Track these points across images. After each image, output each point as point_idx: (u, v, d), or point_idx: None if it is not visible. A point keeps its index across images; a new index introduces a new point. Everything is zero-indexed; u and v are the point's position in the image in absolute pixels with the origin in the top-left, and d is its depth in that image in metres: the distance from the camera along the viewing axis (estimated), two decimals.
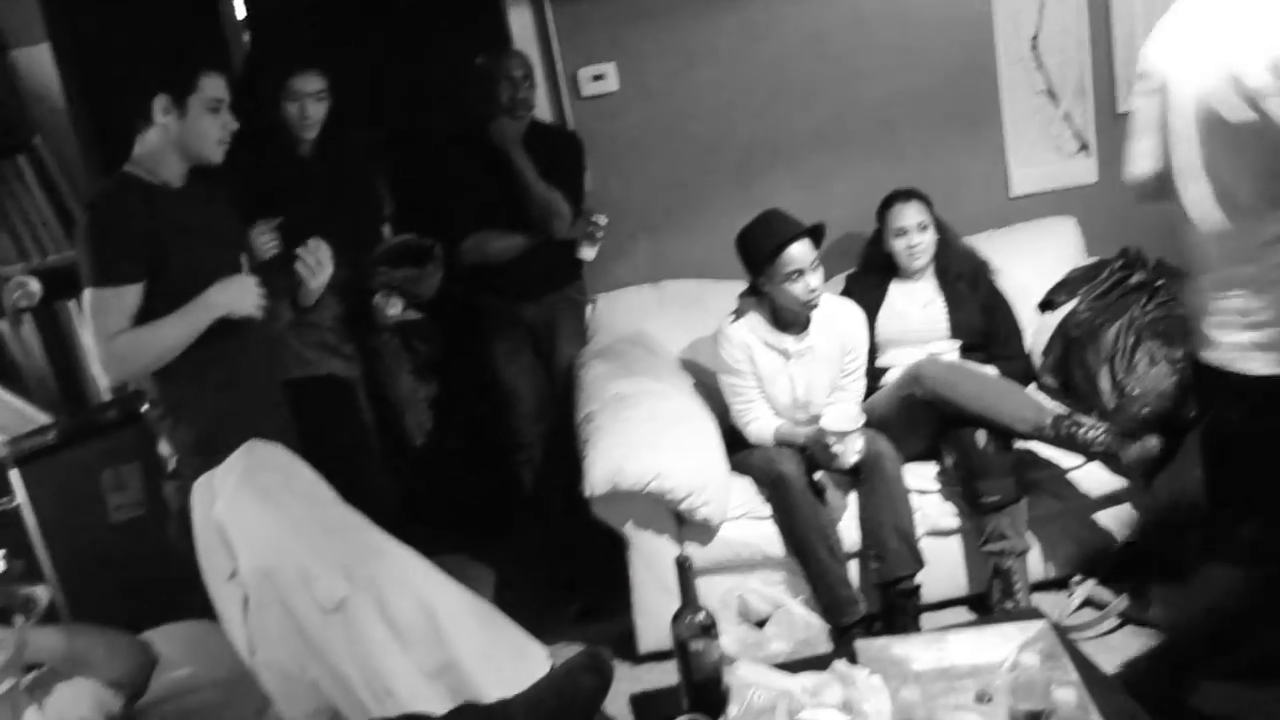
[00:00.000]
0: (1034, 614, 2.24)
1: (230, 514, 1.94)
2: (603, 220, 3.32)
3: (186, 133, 2.33)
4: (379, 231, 3.14)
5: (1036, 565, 2.92)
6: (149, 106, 2.31)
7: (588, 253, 3.37)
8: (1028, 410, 2.81)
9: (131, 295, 2.28)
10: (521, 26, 3.48)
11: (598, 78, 3.54)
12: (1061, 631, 2.09)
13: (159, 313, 2.31)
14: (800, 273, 2.88)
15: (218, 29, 3.92)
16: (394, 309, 2.96)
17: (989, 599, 2.85)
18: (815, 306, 2.95)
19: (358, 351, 3.05)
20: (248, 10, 3.99)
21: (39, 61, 2.99)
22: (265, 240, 2.77)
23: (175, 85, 2.30)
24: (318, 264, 2.57)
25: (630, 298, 3.58)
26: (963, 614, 2.96)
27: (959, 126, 3.66)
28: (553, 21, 3.48)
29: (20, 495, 2.82)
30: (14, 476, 2.81)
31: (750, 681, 1.89)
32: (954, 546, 2.94)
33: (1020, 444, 2.88)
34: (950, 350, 3.19)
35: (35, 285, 2.95)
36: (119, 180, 2.38)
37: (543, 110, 3.46)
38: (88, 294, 2.28)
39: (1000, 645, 2.00)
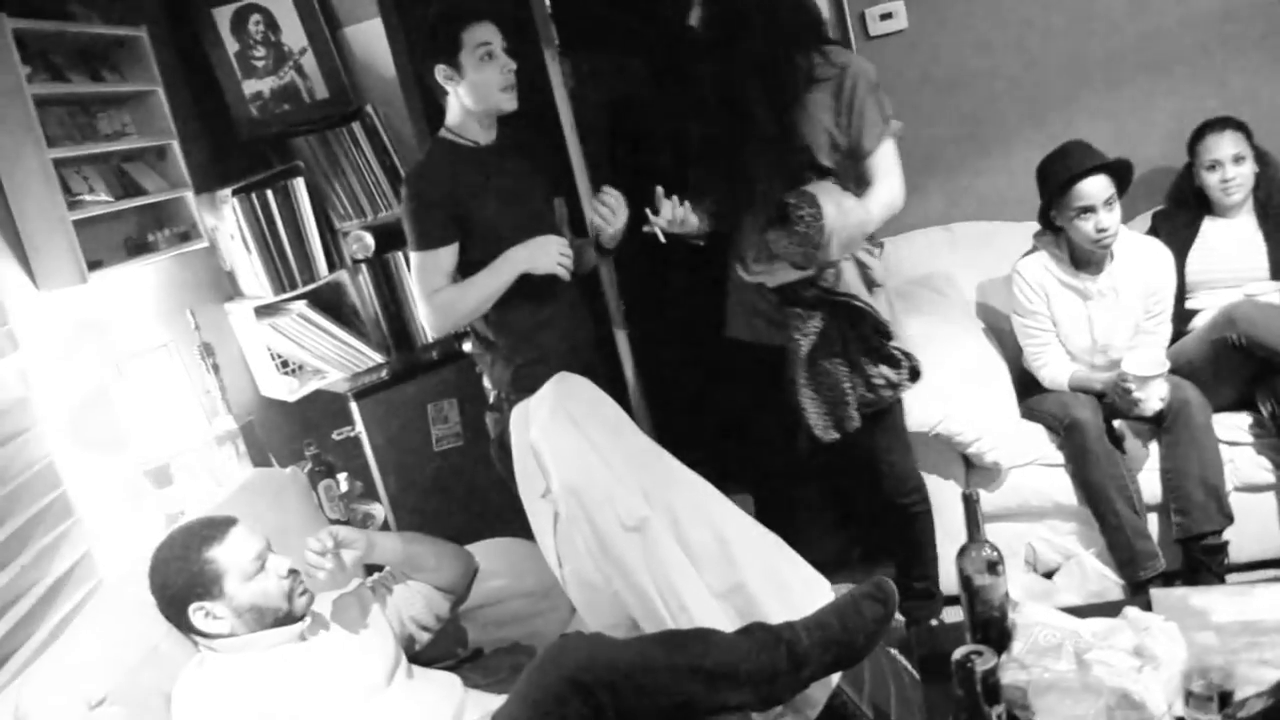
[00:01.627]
0: None
1: (544, 437, 2.09)
2: None
3: (470, 90, 2.43)
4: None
5: None
6: (436, 79, 2.46)
7: None
8: None
9: (447, 256, 2.49)
10: None
11: (886, 16, 3.49)
12: None
13: (473, 264, 2.51)
14: (1091, 210, 2.75)
15: None
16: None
17: None
18: (1106, 248, 2.81)
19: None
20: None
21: (371, 36, 3.28)
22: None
23: (443, 52, 2.41)
24: (610, 211, 2.54)
25: (920, 239, 3.53)
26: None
27: None
28: None
29: (359, 425, 3.17)
30: (353, 409, 3.16)
31: (1036, 620, 1.88)
32: (1269, 504, 2.75)
33: None
34: (1270, 292, 2.94)
35: (369, 239, 3.24)
36: (433, 147, 2.57)
37: None
38: (411, 257, 2.52)
39: None
